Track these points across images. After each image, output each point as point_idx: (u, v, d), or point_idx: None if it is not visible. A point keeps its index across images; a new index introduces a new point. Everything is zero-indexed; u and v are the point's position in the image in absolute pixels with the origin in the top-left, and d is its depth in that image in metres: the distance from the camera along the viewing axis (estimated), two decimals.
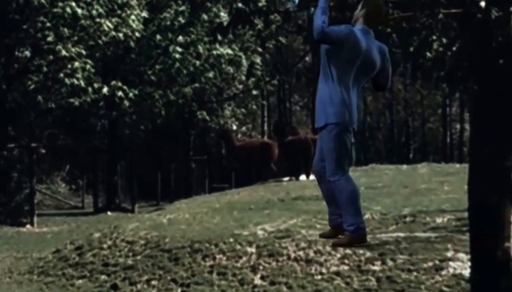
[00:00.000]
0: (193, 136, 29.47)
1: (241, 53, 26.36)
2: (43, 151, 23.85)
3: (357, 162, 33.57)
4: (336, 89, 5.47)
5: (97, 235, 9.11)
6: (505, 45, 4.60)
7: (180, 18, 23.79)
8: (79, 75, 18.75)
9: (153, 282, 7.01)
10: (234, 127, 29.99)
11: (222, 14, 23.09)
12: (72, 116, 22.32)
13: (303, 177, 15.97)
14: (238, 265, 6.74)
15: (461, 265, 6.12)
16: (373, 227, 7.58)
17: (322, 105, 5.51)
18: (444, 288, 5.86)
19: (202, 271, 6.84)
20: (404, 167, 15.25)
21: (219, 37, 6.06)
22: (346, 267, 6.32)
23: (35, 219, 18.42)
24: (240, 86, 28.19)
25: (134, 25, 20.44)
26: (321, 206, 7.29)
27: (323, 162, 5.65)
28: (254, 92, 29.68)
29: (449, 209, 8.42)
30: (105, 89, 20.26)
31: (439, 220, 7.87)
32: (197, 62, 24.74)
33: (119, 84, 21.11)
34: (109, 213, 21.65)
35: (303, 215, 8.38)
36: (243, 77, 26.14)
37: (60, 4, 18.41)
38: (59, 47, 18.52)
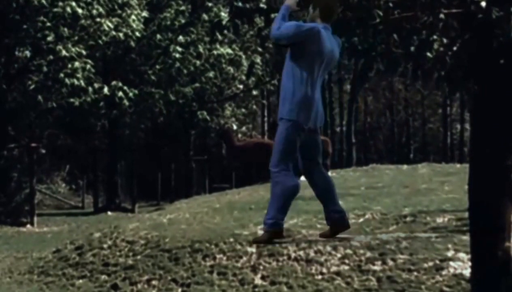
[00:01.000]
0: (193, 136, 29.47)
1: (241, 53, 26.36)
2: (43, 151, 23.84)
3: (358, 162, 33.56)
4: (301, 86, 5.69)
5: (97, 235, 9.08)
6: (506, 45, 4.60)
7: (181, 18, 23.79)
8: (79, 75, 18.75)
9: (154, 282, 7.00)
10: (234, 127, 29.99)
11: (222, 14, 23.09)
12: (72, 116, 22.32)
13: (303, 177, 15.95)
14: (239, 265, 6.73)
15: (462, 265, 6.11)
16: (374, 227, 7.57)
17: (282, 100, 5.91)
18: (445, 288, 5.85)
19: (202, 271, 6.82)
20: (405, 167, 15.22)
21: (219, 36, 6.08)
22: (346, 267, 6.31)
23: (35, 219, 18.41)
24: (240, 86, 28.18)
25: (134, 25, 20.43)
26: (322, 206, 7.29)
27: (304, 159, 6.26)
28: (254, 92, 29.69)
29: (450, 209, 8.41)
30: (105, 89, 20.25)
31: (439, 220, 7.85)
32: (197, 62, 24.74)
33: (119, 84, 21.10)
34: (109, 213, 21.65)
35: (303, 215, 8.35)
36: (243, 77, 26.15)
37: (60, 4, 18.40)
38: (59, 47, 18.52)
